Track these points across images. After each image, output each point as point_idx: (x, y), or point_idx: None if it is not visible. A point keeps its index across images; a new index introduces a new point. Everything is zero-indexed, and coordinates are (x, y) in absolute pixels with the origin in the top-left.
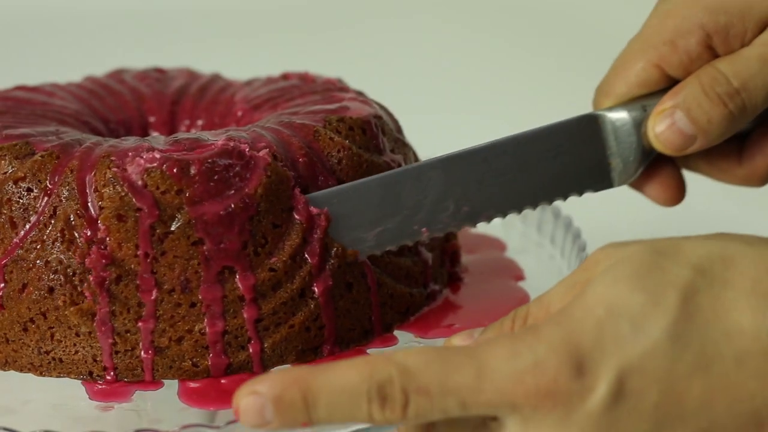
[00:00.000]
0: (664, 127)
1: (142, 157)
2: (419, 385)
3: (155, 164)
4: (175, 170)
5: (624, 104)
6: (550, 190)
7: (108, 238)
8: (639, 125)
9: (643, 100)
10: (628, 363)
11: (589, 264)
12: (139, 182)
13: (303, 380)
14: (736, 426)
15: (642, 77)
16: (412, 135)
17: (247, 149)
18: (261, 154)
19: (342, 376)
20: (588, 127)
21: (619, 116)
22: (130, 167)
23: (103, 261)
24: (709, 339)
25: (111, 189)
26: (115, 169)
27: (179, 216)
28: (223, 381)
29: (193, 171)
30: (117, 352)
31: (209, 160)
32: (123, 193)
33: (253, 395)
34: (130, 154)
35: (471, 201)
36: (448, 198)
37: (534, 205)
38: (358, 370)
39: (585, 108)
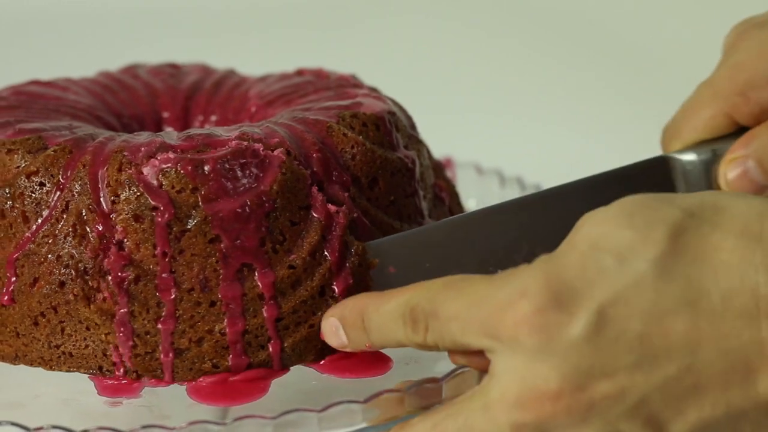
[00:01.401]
0: (735, 176)
1: (156, 158)
2: (433, 309)
3: (170, 164)
4: (189, 168)
5: (693, 147)
6: None
7: (126, 240)
8: (708, 169)
9: (712, 144)
10: (612, 294)
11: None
12: (155, 182)
13: (362, 305)
14: (723, 366)
15: (711, 123)
16: (425, 131)
17: (261, 149)
18: (276, 153)
19: (388, 301)
20: (659, 170)
21: (689, 159)
22: (145, 168)
23: (122, 262)
24: (696, 275)
25: (127, 190)
26: (130, 171)
27: (195, 213)
28: (231, 378)
29: (207, 169)
30: (137, 355)
31: (223, 158)
32: (139, 193)
33: (328, 319)
34: (143, 149)
35: (544, 243)
36: (522, 241)
37: None
38: (400, 295)
39: (599, 110)
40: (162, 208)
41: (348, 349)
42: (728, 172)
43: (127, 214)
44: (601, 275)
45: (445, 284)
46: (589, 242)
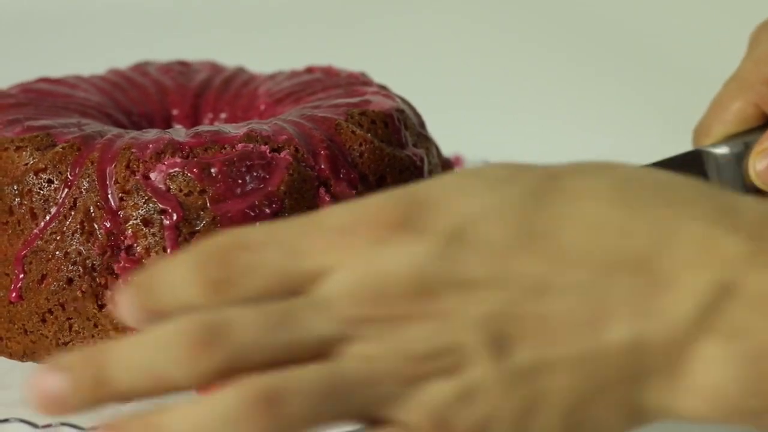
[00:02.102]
0: (763, 167)
1: (164, 163)
2: (242, 241)
3: (177, 168)
4: (196, 171)
5: (725, 141)
6: None
7: (135, 245)
8: (741, 161)
9: (744, 136)
10: (474, 211)
11: None
12: (162, 187)
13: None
14: (573, 306)
15: (740, 116)
16: (435, 129)
17: (267, 151)
18: (282, 155)
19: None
20: (692, 164)
21: (722, 152)
22: (152, 174)
23: (133, 267)
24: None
25: (135, 196)
26: (137, 177)
27: (203, 215)
28: None
29: (214, 171)
30: None
31: (230, 160)
32: (147, 197)
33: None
34: (151, 146)
35: None
36: None
37: None
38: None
39: (609, 109)
40: (170, 211)
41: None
42: (756, 163)
43: (136, 219)
44: (463, 194)
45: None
46: (458, 175)
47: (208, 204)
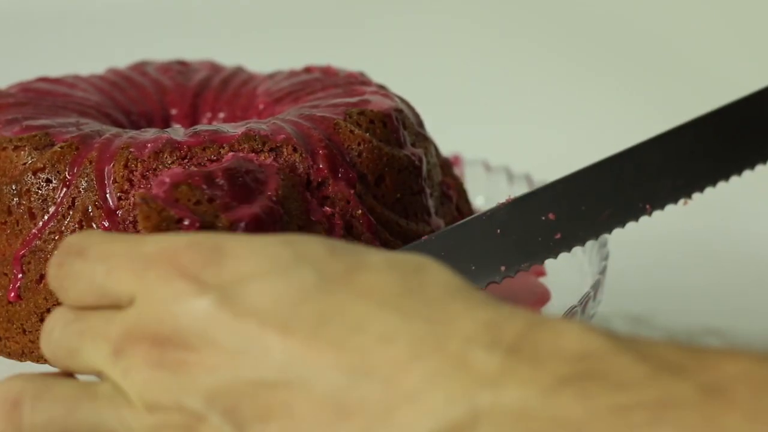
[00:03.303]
0: None
1: (165, 177)
2: (83, 246)
3: (180, 178)
4: (197, 178)
5: None
6: (759, 155)
7: None
8: None
9: None
10: (256, 276)
11: None
12: (171, 197)
13: None
14: (361, 364)
15: None
16: (433, 129)
17: (255, 158)
18: (268, 161)
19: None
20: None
21: None
22: (155, 187)
23: None
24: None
25: (146, 208)
26: (142, 189)
27: (218, 221)
28: None
29: (219, 180)
30: None
31: (231, 169)
32: (160, 209)
33: None
34: (149, 145)
35: (685, 174)
36: (667, 174)
37: (740, 171)
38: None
39: (608, 108)
40: (188, 222)
41: None
42: None
43: (148, 231)
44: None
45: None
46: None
47: (219, 212)
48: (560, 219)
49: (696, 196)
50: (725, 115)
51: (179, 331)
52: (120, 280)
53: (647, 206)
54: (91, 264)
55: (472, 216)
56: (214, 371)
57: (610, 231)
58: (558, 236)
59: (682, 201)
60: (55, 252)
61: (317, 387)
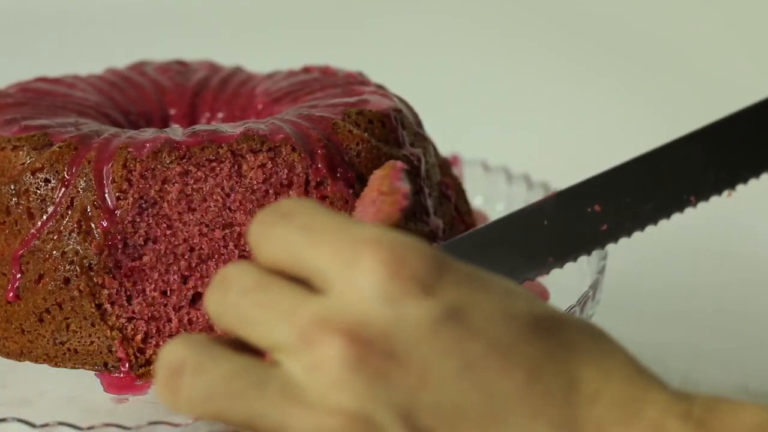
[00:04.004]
0: None
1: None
2: (290, 211)
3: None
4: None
5: None
6: None
7: None
8: None
9: None
10: (471, 300)
11: None
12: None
13: None
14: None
15: None
16: (432, 129)
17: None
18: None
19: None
20: None
21: None
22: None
23: None
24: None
25: (399, 197)
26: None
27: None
28: None
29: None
30: None
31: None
32: (402, 204)
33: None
34: (147, 145)
35: (729, 166)
36: (710, 166)
37: None
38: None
39: (607, 108)
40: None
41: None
42: None
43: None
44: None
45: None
46: None
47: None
48: (606, 211)
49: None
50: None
51: (388, 336)
52: (321, 256)
53: (692, 198)
54: (293, 230)
55: (518, 209)
56: (416, 390)
57: (655, 222)
58: (605, 227)
59: (726, 193)
60: (262, 211)
61: (522, 429)
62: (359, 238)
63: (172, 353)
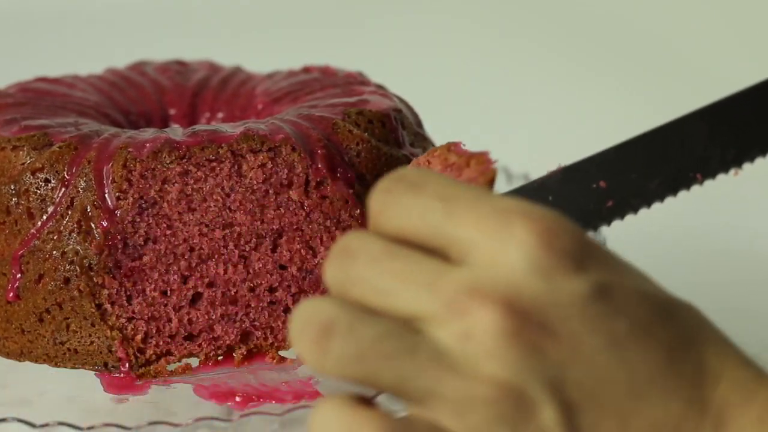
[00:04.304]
0: None
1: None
2: (418, 180)
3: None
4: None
5: None
6: None
7: None
8: None
9: None
10: (620, 278)
11: None
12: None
13: None
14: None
15: None
16: (432, 129)
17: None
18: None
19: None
20: None
21: None
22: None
23: None
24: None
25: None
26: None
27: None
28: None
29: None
30: None
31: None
32: (492, 174)
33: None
34: (147, 145)
35: (735, 144)
36: (716, 144)
37: None
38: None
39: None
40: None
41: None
42: None
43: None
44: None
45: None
46: None
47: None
48: (612, 187)
49: (709, 184)
50: None
51: (542, 308)
52: (463, 226)
53: (698, 175)
54: (427, 200)
55: (523, 184)
56: (566, 364)
57: (662, 199)
58: (610, 204)
59: (732, 171)
60: (384, 180)
61: (657, 407)
62: (506, 209)
63: (322, 312)
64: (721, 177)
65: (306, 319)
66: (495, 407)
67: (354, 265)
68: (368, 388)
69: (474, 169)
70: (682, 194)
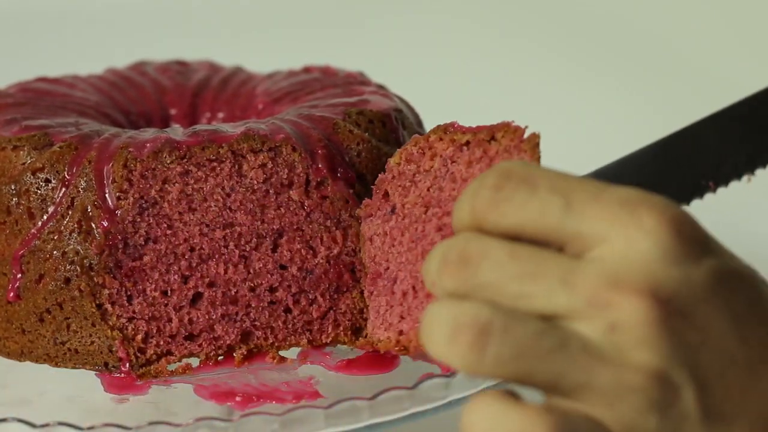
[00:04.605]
0: None
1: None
2: (528, 175)
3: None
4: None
5: None
6: None
7: None
8: None
9: None
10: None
11: None
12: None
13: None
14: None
15: None
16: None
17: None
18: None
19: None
20: None
21: None
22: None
23: None
24: None
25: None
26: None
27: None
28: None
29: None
30: None
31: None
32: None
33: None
34: (148, 145)
35: (746, 151)
36: (728, 151)
37: None
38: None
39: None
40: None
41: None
42: None
43: None
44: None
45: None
46: None
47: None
48: None
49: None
50: None
51: (679, 295)
52: (587, 219)
53: (710, 184)
54: (544, 195)
55: None
56: (699, 347)
57: None
58: None
59: (746, 178)
60: (487, 174)
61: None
62: (628, 200)
63: (478, 314)
64: (733, 184)
65: (455, 323)
66: (646, 394)
67: (479, 272)
68: (521, 385)
69: (508, 139)
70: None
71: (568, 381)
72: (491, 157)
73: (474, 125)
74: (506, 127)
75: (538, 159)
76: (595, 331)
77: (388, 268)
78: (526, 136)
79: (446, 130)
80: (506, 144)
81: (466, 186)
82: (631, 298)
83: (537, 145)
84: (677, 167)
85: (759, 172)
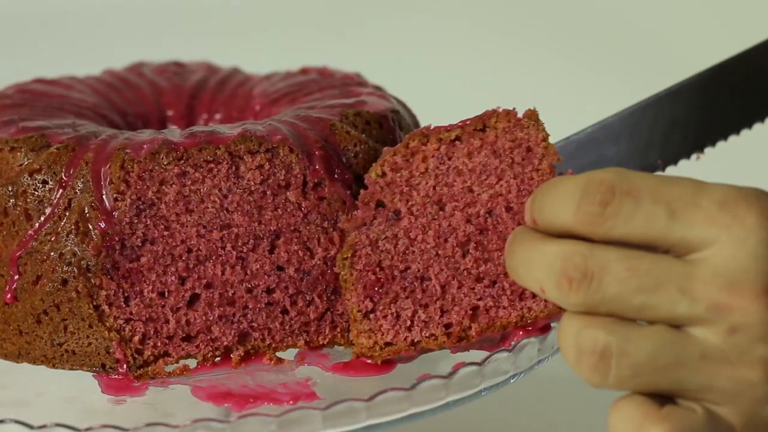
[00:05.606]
0: None
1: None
2: (630, 187)
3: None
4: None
5: None
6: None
7: None
8: None
9: None
10: None
11: None
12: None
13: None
14: None
15: None
16: None
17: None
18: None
19: (564, 182)
20: None
21: None
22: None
23: None
24: None
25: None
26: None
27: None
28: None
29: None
30: None
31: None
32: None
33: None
34: (145, 146)
35: (695, 128)
36: (677, 128)
37: (750, 125)
38: (579, 176)
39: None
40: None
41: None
42: None
43: None
44: None
45: (646, 174)
46: None
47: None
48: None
49: (708, 151)
50: (733, 68)
51: None
52: (692, 225)
53: (659, 161)
54: (648, 206)
55: None
56: None
57: None
58: None
59: (694, 156)
60: (582, 188)
61: None
62: (725, 200)
63: (595, 340)
64: (682, 162)
65: (577, 348)
66: (765, 385)
67: (601, 287)
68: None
69: (504, 123)
70: None
71: (692, 386)
72: (491, 143)
73: (447, 123)
74: (495, 113)
75: (544, 130)
76: (716, 334)
77: (407, 268)
78: (520, 115)
79: (424, 134)
80: (503, 127)
81: (476, 176)
82: (750, 299)
83: (538, 118)
84: (629, 142)
85: (708, 150)
